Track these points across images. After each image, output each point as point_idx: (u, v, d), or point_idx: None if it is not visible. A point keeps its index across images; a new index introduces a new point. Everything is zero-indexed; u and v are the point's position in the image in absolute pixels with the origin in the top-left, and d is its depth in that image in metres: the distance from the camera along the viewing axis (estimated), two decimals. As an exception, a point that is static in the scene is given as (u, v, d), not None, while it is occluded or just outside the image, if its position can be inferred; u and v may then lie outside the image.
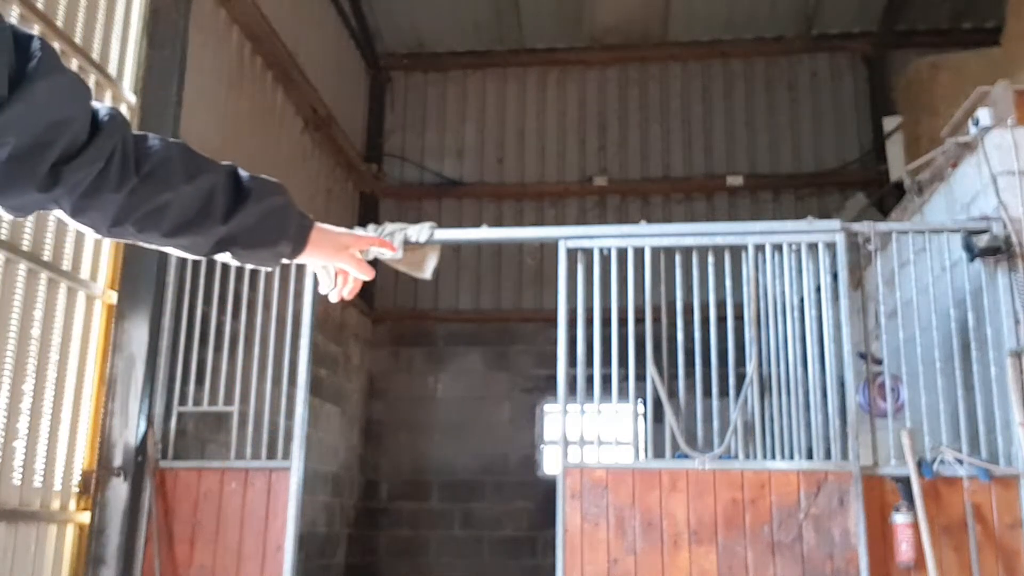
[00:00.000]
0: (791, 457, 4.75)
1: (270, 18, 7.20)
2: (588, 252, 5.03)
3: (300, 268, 5.21)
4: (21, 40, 1.10)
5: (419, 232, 5.14)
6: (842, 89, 10.27)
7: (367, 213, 10.04)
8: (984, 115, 4.98)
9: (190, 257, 1.39)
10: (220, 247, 1.35)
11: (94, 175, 1.18)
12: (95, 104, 1.21)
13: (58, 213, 1.23)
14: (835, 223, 4.92)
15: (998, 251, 4.64)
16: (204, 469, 5.03)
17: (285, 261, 1.45)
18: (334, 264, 1.52)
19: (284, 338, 5.29)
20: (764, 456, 4.82)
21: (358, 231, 1.59)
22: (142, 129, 5.74)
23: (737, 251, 4.99)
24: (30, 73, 1.09)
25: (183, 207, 1.28)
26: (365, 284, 1.58)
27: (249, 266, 1.44)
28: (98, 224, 1.25)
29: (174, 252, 1.36)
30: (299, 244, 1.43)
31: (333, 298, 1.57)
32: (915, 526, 4.29)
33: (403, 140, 10.67)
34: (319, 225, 1.46)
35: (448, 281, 10.02)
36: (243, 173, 1.36)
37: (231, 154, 6.80)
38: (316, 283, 1.61)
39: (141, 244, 1.33)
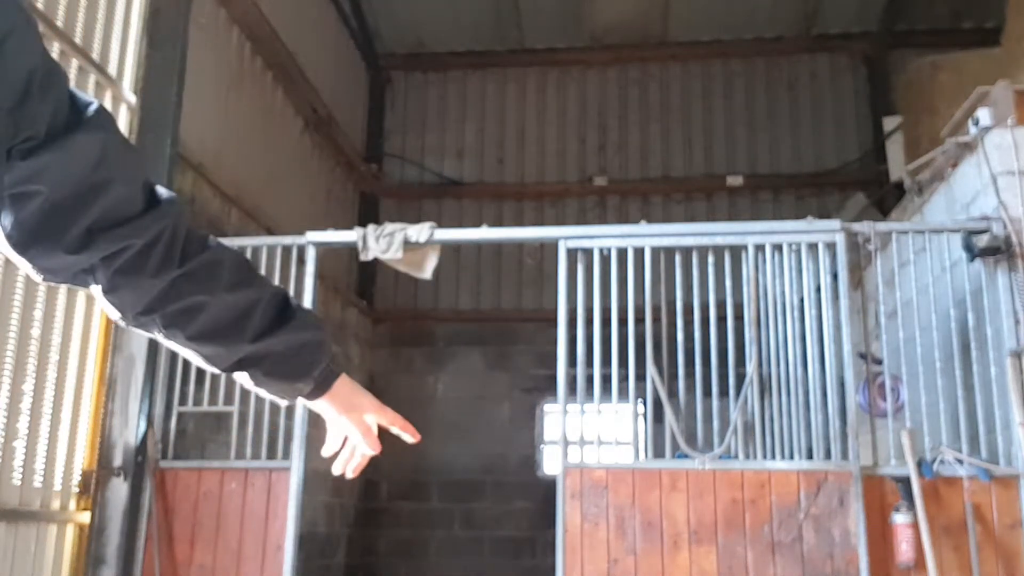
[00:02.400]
0: (791, 457, 4.75)
1: (270, 18, 7.20)
2: (588, 252, 5.03)
3: (300, 269, 5.21)
4: (79, 100, 1.08)
5: (419, 232, 5.14)
6: (842, 89, 10.27)
7: (367, 213, 10.04)
8: (984, 115, 4.98)
9: (209, 368, 1.31)
10: (241, 366, 1.27)
11: (133, 253, 1.14)
12: (158, 187, 1.17)
13: (94, 291, 1.18)
14: (835, 223, 4.92)
15: (998, 251, 4.64)
16: (204, 469, 5.03)
17: (300, 400, 1.36)
18: (344, 423, 1.40)
19: (284, 338, 5.28)
20: (764, 456, 4.82)
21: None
22: (142, 129, 5.74)
23: (737, 251, 4.99)
24: (75, 126, 1.06)
25: (217, 315, 1.22)
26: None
27: (262, 393, 1.35)
28: (127, 307, 1.19)
29: (194, 359, 1.28)
30: (321, 388, 1.34)
31: (336, 469, 1.45)
32: (915, 526, 4.29)
33: (403, 140, 10.67)
34: (346, 377, 1.38)
35: (448, 281, 10.02)
36: (293, 300, 1.30)
37: (231, 154, 6.80)
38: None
39: (163, 342, 1.27)
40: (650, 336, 4.82)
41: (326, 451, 1.45)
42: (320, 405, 1.38)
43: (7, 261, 4.40)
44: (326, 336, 1.34)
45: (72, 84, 1.09)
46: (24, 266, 1.12)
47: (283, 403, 1.39)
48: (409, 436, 1.47)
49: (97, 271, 1.14)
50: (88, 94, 1.17)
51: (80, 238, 1.10)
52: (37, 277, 1.15)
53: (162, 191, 1.17)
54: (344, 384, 1.38)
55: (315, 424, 7.92)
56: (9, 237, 1.08)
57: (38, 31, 1.03)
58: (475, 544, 9.46)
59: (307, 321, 1.31)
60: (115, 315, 1.21)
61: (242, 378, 1.31)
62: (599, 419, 4.85)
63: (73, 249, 1.10)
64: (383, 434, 1.46)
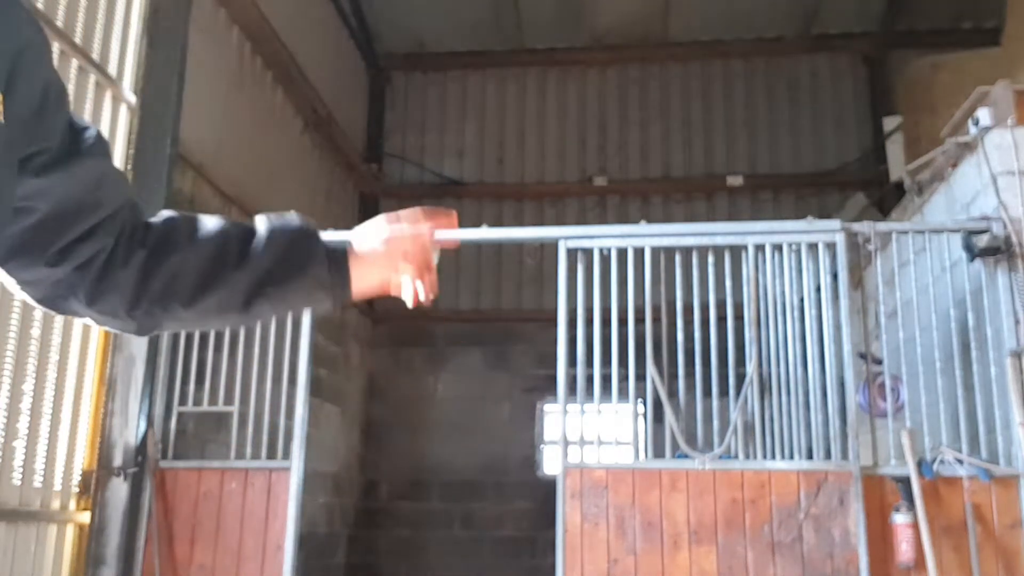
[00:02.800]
0: (791, 457, 4.75)
1: (270, 18, 7.20)
2: (588, 252, 5.03)
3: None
4: (78, 124, 1.11)
5: (419, 232, 5.14)
6: (842, 89, 10.27)
7: (367, 213, 10.02)
8: (984, 115, 4.97)
9: (230, 324, 1.29)
10: (253, 297, 1.22)
11: (104, 257, 1.15)
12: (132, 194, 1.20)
13: (85, 317, 1.20)
14: (835, 223, 4.92)
15: (998, 251, 4.64)
16: (204, 469, 5.03)
17: (344, 294, 1.29)
18: (400, 273, 1.32)
19: (284, 338, 5.29)
20: (764, 456, 4.82)
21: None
22: (142, 129, 5.73)
23: (737, 251, 4.99)
24: (79, 149, 1.08)
25: (196, 264, 1.19)
26: None
27: (302, 314, 1.31)
28: (117, 309, 1.19)
29: (213, 324, 1.27)
30: (337, 265, 1.26)
31: (410, 303, 1.36)
32: (915, 526, 4.29)
33: (403, 140, 10.67)
34: (353, 245, 1.30)
35: (448, 281, 10.01)
36: (259, 218, 1.26)
37: (231, 154, 6.80)
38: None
39: (174, 328, 1.26)
40: (650, 336, 4.81)
41: (409, 303, 1.35)
42: (362, 281, 1.29)
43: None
44: (308, 225, 1.27)
45: (71, 85, 1.12)
46: (2, 276, 1.13)
47: (328, 308, 1.32)
48: (448, 225, 1.38)
49: (77, 287, 1.16)
50: (88, 95, 1.20)
51: (60, 252, 1.12)
52: (14, 288, 1.15)
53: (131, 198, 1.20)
54: (360, 249, 1.29)
55: (315, 424, 7.93)
56: None
57: (51, 50, 1.05)
58: (475, 544, 9.46)
59: (283, 222, 1.25)
60: (114, 327, 1.22)
61: (264, 308, 1.25)
62: (599, 419, 4.85)
63: (52, 263, 1.12)
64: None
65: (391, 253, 1.30)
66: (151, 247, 1.19)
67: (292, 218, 1.26)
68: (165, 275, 1.19)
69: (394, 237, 1.30)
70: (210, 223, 1.23)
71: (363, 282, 1.29)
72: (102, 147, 1.12)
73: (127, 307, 1.19)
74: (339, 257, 1.27)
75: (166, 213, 1.24)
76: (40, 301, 1.17)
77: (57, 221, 1.09)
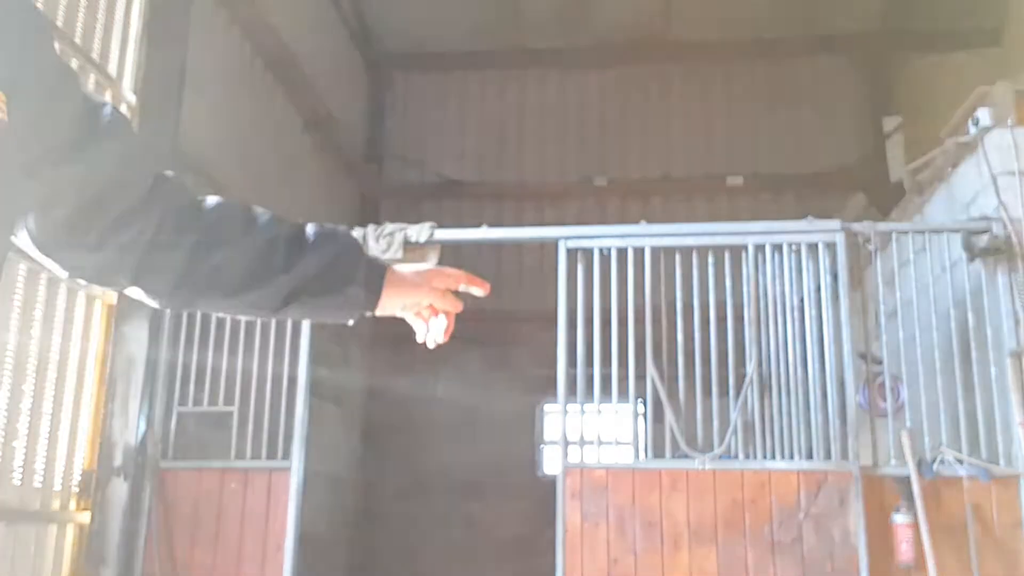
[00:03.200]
0: (791, 457, 4.75)
1: (270, 18, 7.20)
2: (588, 252, 5.03)
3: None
4: (93, 104, 1.10)
5: (419, 232, 5.14)
6: (842, 89, 10.26)
7: (367, 213, 10.03)
8: (984, 115, 4.97)
9: (263, 317, 1.34)
10: (289, 300, 1.27)
11: (148, 237, 1.17)
12: (158, 169, 1.21)
13: (127, 290, 1.22)
14: (835, 223, 4.92)
15: (998, 251, 4.64)
16: (204, 469, 5.03)
17: (367, 313, 1.36)
18: (419, 303, 1.39)
19: (284, 338, 5.29)
20: (764, 456, 4.82)
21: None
22: (142, 129, 5.75)
23: (737, 251, 4.99)
24: (100, 133, 1.08)
25: (244, 262, 1.23)
26: None
27: (330, 322, 1.36)
28: (160, 288, 1.22)
29: (246, 315, 1.31)
30: (372, 288, 1.33)
31: (430, 344, 1.45)
32: (915, 526, 4.29)
33: (403, 140, 10.67)
34: (394, 268, 1.37)
35: (448, 281, 10.00)
36: (308, 225, 1.30)
37: (231, 154, 6.80)
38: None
39: (209, 311, 1.30)
40: (650, 336, 4.81)
41: (419, 337, 1.44)
42: (388, 305, 1.36)
43: (8, 261, 4.40)
44: (355, 240, 1.33)
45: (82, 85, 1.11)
46: (50, 264, 1.15)
47: (350, 322, 1.37)
48: (479, 289, 1.47)
49: (123, 266, 1.18)
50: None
51: (100, 236, 1.13)
52: (64, 274, 1.18)
53: (162, 172, 1.21)
54: (395, 275, 1.36)
55: (315, 424, 7.92)
56: (35, 240, 1.11)
57: (53, 38, 1.04)
58: (475, 544, 9.46)
59: (332, 234, 1.30)
60: (154, 302, 1.25)
61: (295, 312, 1.31)
62: (599, 419, 4.85)
63: (95, 247, 1.13)
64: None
65: (423, 284, 1.37)
66: (201, 234, 1.21)
67: (341, 231, 1.32)
68: (212, 266, 1.21)
69: (430, 273, 1.39)
70: (263, 219, 1.26)
71: (389, 305, 1.36)
72: (120, 125, 1.12)
73: (171, 289, 1.22)
74: (376, 276, 1.33)
75: (218, 199, 1.25)
76: (89, 280, 1.21)
77: (89, 208, 1.10)
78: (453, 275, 1.43)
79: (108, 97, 5.27)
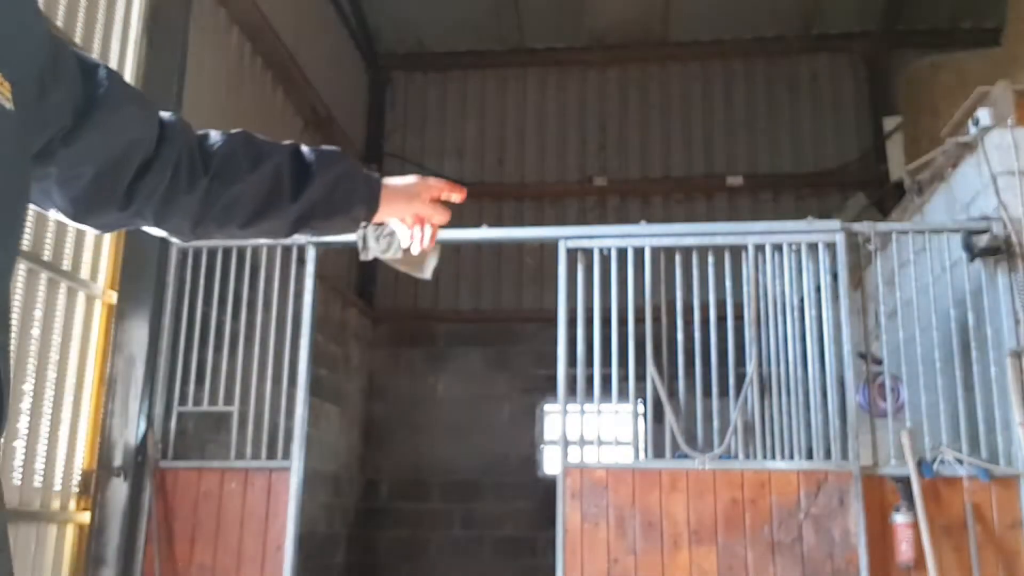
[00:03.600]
0: (791, 457, 4.75)
1: (270, 18, 7.20)
2: (588, 252, 5.03)
3: (300, 269, 5.21)
4: (87, 68, 1.13)
5: (419, 232, 5.14)
6: (842, 89, 10.26)
7: (367, 213, 10.02)
8: (984, 115, 4.97)
9: (274, 240, 1.46)
10: (299, 224, 1.39)
11: (167, 183, 1.23)
12: (161, 114, 1.26)
13: (147, 229, 1.29)
14: (835, 223, 4.92)
15: (998, 251, 4.64)
16: (204, 469, 5.02)
17: (368, 220, 1.49)
18: (410, 214, 1.52)
19: (284, 338, 5.29)
20: (764, 456, 4.82)
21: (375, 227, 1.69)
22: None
23: (737, 251, 4.99)
24: (100, 101, 1.12)
25: (255, 195, 1.32)
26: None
27: (330, 236, 1.50)
28: (182, 227, 1.30)
29: (257, 239, 1.41)
30: (372, 204, 1.45)
31: (415, 249, 1.58)
32: (915, 526, 4.29)
33: (403, 140, 10.67)
34: (387, 181, 1.49)
35: (448, 281, 10.02)
36: (305, 149, 1.40)
37: (231, 154, 6.79)
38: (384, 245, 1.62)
39: (224, 238, 1.41)
40: (650, 336, 4.82)
41: (403, 243, 1.58)
42: (382, 215, 1.49)
43: (7, 261, 4.40)
44: (351, 160, 1.44)
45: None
46: (80, 227, 1.24)
47: (353, 236, 1.54)
48: (456, 195, 1.57)
49: (144, 211, 1.25)
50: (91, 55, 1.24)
51: (126, 194, 1.20)
52: (94, 232, 1.29)
53: (165, 116, 1.26)
54: (389, 188, 1.48)
55: (315, 424, 7.92)
56: (66, 212, 1.18)
57: (46, 19, 1.06)
58: (475, 544, 9.46)
59: (329, 158, 1.41)
60: (175, 239, 1.34)
61: (306, 232, 1.43)
62: (599, 419, 4.85)
63: (123, 205, 1.21)
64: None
65: (413, 193, 1.51)
66: (214, 173, 1.29)
67: (336, 153, 1.43)
68: (226, 201, 1.31)
69: (418, 185, 1.52)
70: (268, 153, 1.35)
71: (383, 214, 1.50)
72: (118, 85, 1.16)
73: (191, 225, 1.30)
74: (375, 191, 1.46)
75: (222, 134, 1.33)
76: (115, 229, 1.30)
77: (110, 172, 1.16)
78: (437, 185, 1.54)
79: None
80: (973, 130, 5.04)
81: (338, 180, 1.40)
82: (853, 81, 10.25)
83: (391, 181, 1.50)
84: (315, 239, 1.28)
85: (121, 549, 4.87)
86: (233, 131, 1.36)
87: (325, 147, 1.43)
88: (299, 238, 5.21)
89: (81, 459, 5.00)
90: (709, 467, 4.59)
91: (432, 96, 10.84)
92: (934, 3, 9.53)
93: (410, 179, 1.52)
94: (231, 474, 4.94)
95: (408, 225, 1.54)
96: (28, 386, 4.56)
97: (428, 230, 1.55)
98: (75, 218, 1.19)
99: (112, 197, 1.19)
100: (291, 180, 1.35)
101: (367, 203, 1.44)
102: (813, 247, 4.89)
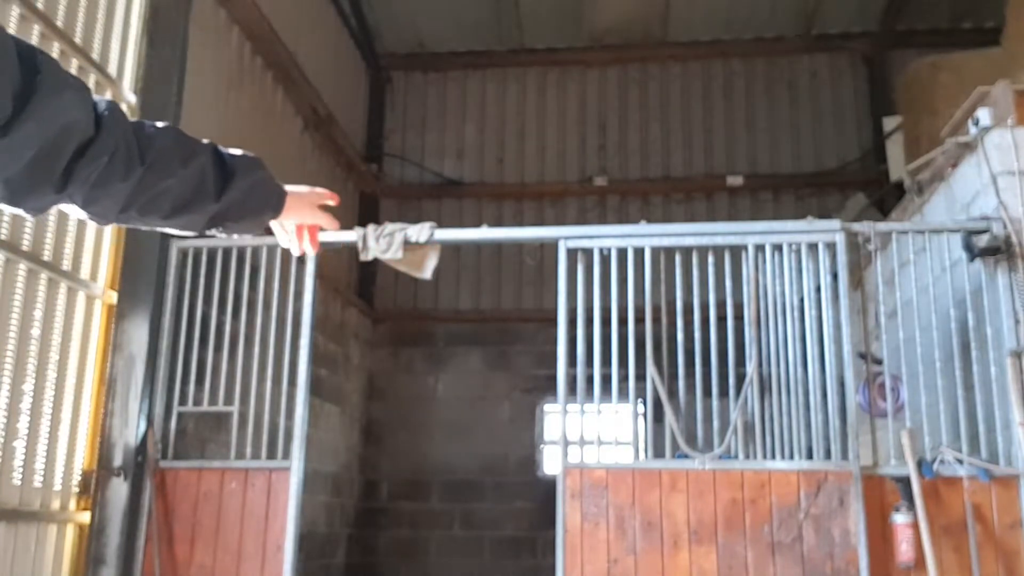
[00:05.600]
0: (791, 457, 4.75)
1: (270, 18, 7.20)
2: (588, 252, 5.03)
3: (300, 269, 5.21)
4: (24, 54, 1.14)
5: (419, 232, 5.14)
6: (842, 89, 10.26)
7: (367, 213, 10.04)
8: (984, 115, 4.98)
9: (185, 234, 1.48)
10: (213, 223, 1.46)
11: (102, 168, 1.25)
12: (96, 100, 1.26)
13: (70, 209, 1.30)
14: (835, 223, 4.92)
15: (998, 251, 4.64)
16: (204, 469, 5.02)
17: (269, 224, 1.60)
18: (307, 219, 1.66)
19: (284, 338, 5.29)
20: (764, 456, 4.82)
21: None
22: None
23: (737, 251, 4.99)
24: (38, 87, 1.13)
25: (182, 190, 1.37)
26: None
27: (234, 235, 1.56)
28: (108, 212, 1.32)
29: (171, 231, 1.44)
30: (278, 210, 1.56)
31: (295, 251, 1.71)
32: (915, 526, 4.29)
33: (403, 140, 10.67)
34: (289, 189, 1.59)
35: (448, 281, 10.02)
36: (223, 150, 1.45)
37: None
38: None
39: (140, 227, 1.42)
40: (650, 336, 4.82)
41: (283, 243, 1.70)
42: (283, 218, 1.61)
43: (7, 261, 4.40)
44: (267, 168, 1.53)
45: (11, 32, 1.13)
46: (12, 211, 1.24)
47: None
48: (331, 200, 1.69)
49: (75, 194, 1.26)
50: (28, 39, 1.24)
51: (63, 176, 1.22)
52: (27, 215, 1.27)
53: (100, 103, 1.27)
54: (292, 197, 1.59)
55: (315, 424, 7.92)
56: (1, 196, 1.19)
57: None
58: (475, 544, 9.46)
59: (247, 163, 1.48)
60: (96, 221, 1.35)
61: (216, 231, 1.50)
62: (599, 419, 4.85)
63: (60, 188, 1.23)
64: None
65: (309, 200, 1.63)
66: (149, 163, 1.31)
67: (253, 159, 1.50)
68: (156, 192, 1.34)
69: (311, 192, 1.64)
70: (197, 151, 1.40)
71: (285, 218, 1.61)
72: (55, 70, 1.17)
73: (117, 211, 1.33)
74: (281, 197, 1.56)
75: (154, 126, 1.36)
76: (40, 212, 1.30)
77: (47, 155, 1.17)
78: (322, 193, 1.66)
79: (108, 97, 5.27)
80: (973, 130, 5.04)
81: (255, 185, 1.48)
82: (853, 81, 10.25)
83: (292, 189, 1.60)
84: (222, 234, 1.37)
85: (121, 549, 4.87)
86: (161, 124, 1.38)
87: (242, 152, 1.50)
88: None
89: (81, 459, 5.00)
90: (709, 467, 4.59)
91: (432, 96, 10.84)
92: (934, 3, 9.53)
93: (304, 188, 1.63)
94: (231, 474, 4.94)
95: (295, 231, 1.67)
96: (28, 386, 4.56)
97: (313, 235, 1.70)
98: (10, 201, 1.20)
99: (49, 179, 1.20)
100: (215, 179, 1.41)
101: (275, 209, 1.55)
102: (813, 247, 4.89)
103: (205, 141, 1.45)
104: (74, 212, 1.31)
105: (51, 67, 1.17)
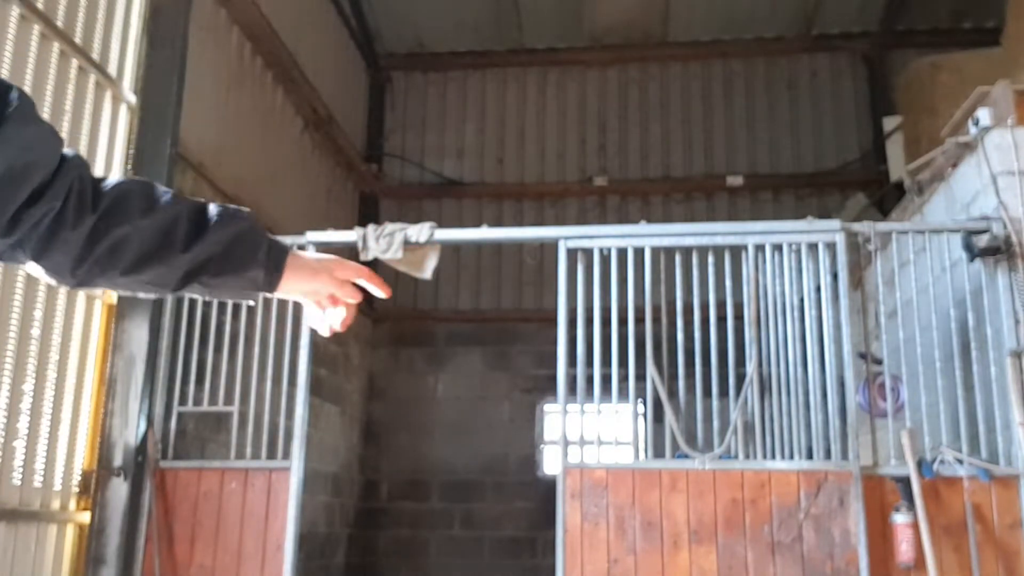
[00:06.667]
0: (791, 457, 4.75)
1: (270, 18, 7.20)
2: (588, 252, 5.03)
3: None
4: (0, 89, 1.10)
5: (419, 232, 5.14)
6: (842, 89, 10.27)
7: (367, 213, 10.04)
8: (984, 115, 4.98)
9: (160, 295, 1.35)
10: (188, 279, 1.30)
11: (52, 216, 1.17)
12: (65, 149, 1.20)
13: (27, 267, 1.22)
14: (835, 223, 4.92)
15: (998, 251, 4.64)
16: (204, 469, 5.03)
17: (266, 294, 1.38)
18: (319, 290, 1.41)
19: (284, 338, 5.29)
20: (764, 456, 4.82)
21: (350, 258, 1.43)
22: (142, 129, 5.74)
23: (737, 251, 4.99)
24: (8, 119, 1.08)
25: (142, 240, 1.24)
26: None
27: (229, 301, 1.41)
28: (62, 267, 1.22)
29: (142, 293, 1.32)
30: (273, 270, 1.35)
31: (324, 332, 1.46)
32: (915, 526, 4.29)
33: (403, 140, 10.67)
34: (296, 252, 1.38)
35: (448, 281, 10.02)
36: (212, 206, 1.32)
37: (231, 154, 6.80)
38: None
39: (108, 288, 1.31)
40: (650, 336, 4.82)
41: (311, 323, 1.46)
42: (287, 288, 1.38)
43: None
44: (256, 222, 1.35)
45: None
46: None
47: (250, 302, 1.39)
48: (379, 290, 1.44)
49: (25, 243, 1.18)
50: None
51: (11, 221, 1.13)
52: None
53: (68, 151, 1.20)
54: (297, 259, 1.37)
55: (315, 424, 7.92)
56: None
57: None
58: (475, 544, 9.46)
59: (232, 215, 1.32)
60: (54, 281, 1.25)
61: (195, 291, 1.33)
62: (599, 419, 4.85)
63: (6, 232, 1.14)
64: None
65: (323, 272, 1.39)
66: (103, 212, 1.21)
67: (243, 212, 1.33)
68: (111, 242, 1.22)
69: (332, 263, 1.41)
70: (164, 199, 1.27)
71: (289, 288, 1.38)
72: (25, 109, 1.12)
73: (72, 266, 1.22)
74: (278, 258, 1.35)
75: (119, 178, 1.26)
76: None
77: (2, 193, 1.10)
78: (355, 268, 1.42)
79: (108, 97, 5.27)
80: (973, 130, 5.04)
81: (236, 238, 1.30)
82: (853, 81, 10.25)
83: (303, 254, 1.40)
84: (206, 298, 1.18)
85: (121, 549, 4.87)
86: (136, 178, 1.30)
87: (234, 207, 1.35)
88: (298, 238, 5.21)
89: (81, 459, 5.00)
90: (709, 467, 4.59)
91: (432, 96, 10.85)
92: (934, 3, 9.53)
93: (325, 256, 1.42)
94: (231, 474, 4.94)
95: (322, 305, 1.43)
96: (28, 386, 4.56)
97: (341, 312, 1.43)
98: None
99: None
100: (185, 231, 1.27)
101: (266, 267, 1.33)
102: (813, 247, 4.89)
103: (198, 199, 1.32)
104: (31, 269, 1.23)
105: (26, 103, 1.12)
